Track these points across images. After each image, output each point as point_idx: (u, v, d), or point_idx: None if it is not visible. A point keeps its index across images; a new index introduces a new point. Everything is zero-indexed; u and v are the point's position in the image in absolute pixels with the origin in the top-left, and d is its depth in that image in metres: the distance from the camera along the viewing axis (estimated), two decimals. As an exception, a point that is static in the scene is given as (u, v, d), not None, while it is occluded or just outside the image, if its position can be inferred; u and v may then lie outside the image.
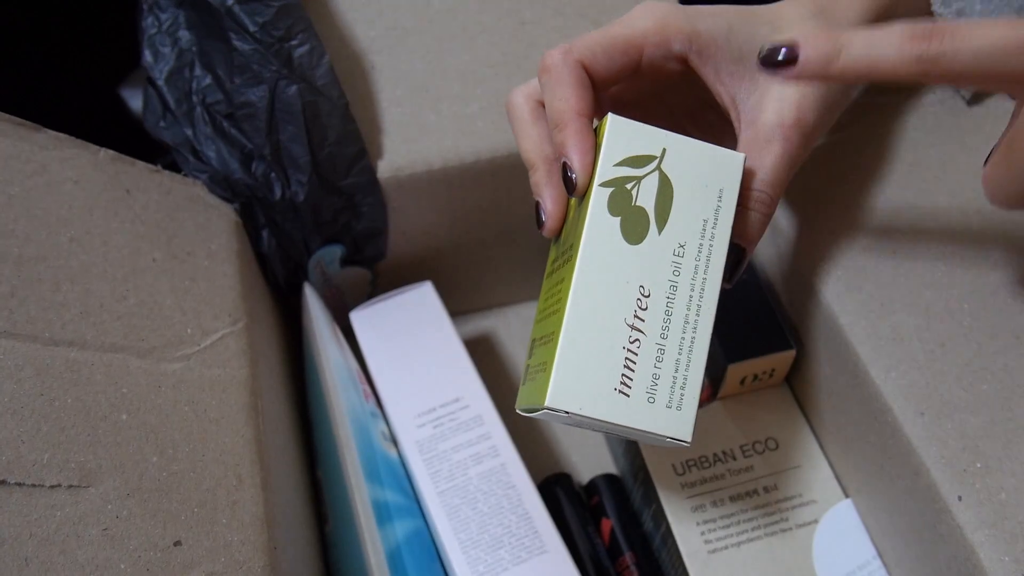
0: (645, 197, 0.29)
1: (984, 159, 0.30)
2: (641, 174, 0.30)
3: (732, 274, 0.31)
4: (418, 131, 0.42)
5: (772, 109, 0.31)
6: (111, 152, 0.36)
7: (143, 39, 0.40)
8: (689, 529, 0.38)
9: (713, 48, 0.31)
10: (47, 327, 0.31)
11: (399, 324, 0.43)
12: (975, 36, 0.25)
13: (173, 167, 0.39)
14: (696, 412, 0.28)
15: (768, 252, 0.41)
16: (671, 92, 0.35)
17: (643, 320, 0.28)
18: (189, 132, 0.40)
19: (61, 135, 0.35)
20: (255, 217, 0.41)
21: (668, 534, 0.38)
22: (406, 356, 0.42)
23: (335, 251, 0.44)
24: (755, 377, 0.40)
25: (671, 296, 0.29)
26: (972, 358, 0.33)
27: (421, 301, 0.44)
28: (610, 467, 0.46)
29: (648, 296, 0.29)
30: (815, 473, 0.39)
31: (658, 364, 0.28)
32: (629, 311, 0.28)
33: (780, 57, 0.28)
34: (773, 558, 0.37)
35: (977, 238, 0.36)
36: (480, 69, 0.44)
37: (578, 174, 0.29)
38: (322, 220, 0.42)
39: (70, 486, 0.28)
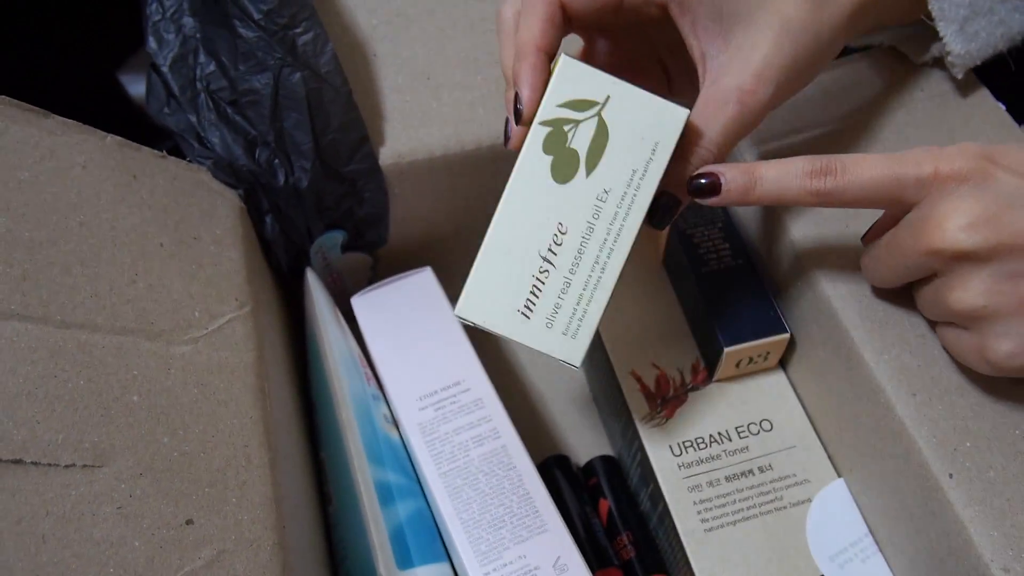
0: (580, 140, 0.31)
1: (863, 235, 0.36)
2: (581, 118, 0.31)
3: (662, 220, 0.33)
4: (420, 118, 0.43)
5: (735, 72, 0.32)
6: (117, 138, 0.37)
7: (147, 26, 0.40)
8: (686, 508, 0.39)
9: (694, 1, 0.32)
10: (59, 310, 0.31)
11: (400, 309, 0.44)
12: (861, 172, 0.31)
13: (176, 152, 0.40)
14: (590, 343, 0.32)
15: (764, 239, 0.42)
16: (644, 32, 0.36)
17: (555, 255, 0.32)
18: (193, 118, 0.40)
19: (69, 121, 0.35)
20: (259, 203, 0.41)
21: (665, 513, 0.39)
22: (407, 340, 0.42)
23: (337, 237, 0.45)
24: (751, 360, 0.41)
25: (586, 237, 0.32)
26: (962, 341, 0.34)
27: (421, 286, 0.44)
28: (607, 449, 0.47)
29: (565, 233, 0.32)
30: (808, 454, 0.40)
31: (562, 295, 0.32)
32: (544, 244, 0.32)
33: (704, 186, 0.32)
34: (768, 536, 0.38)
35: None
36: (481, 57, 0.44)
37: (525, 107, 0.31)
38: (325, 206, 0.42)
39: (84, 465, 0.29)
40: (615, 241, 0.32)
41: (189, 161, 0.39)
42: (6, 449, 0.28)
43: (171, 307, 0.34)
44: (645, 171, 0.31)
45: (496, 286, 0.31)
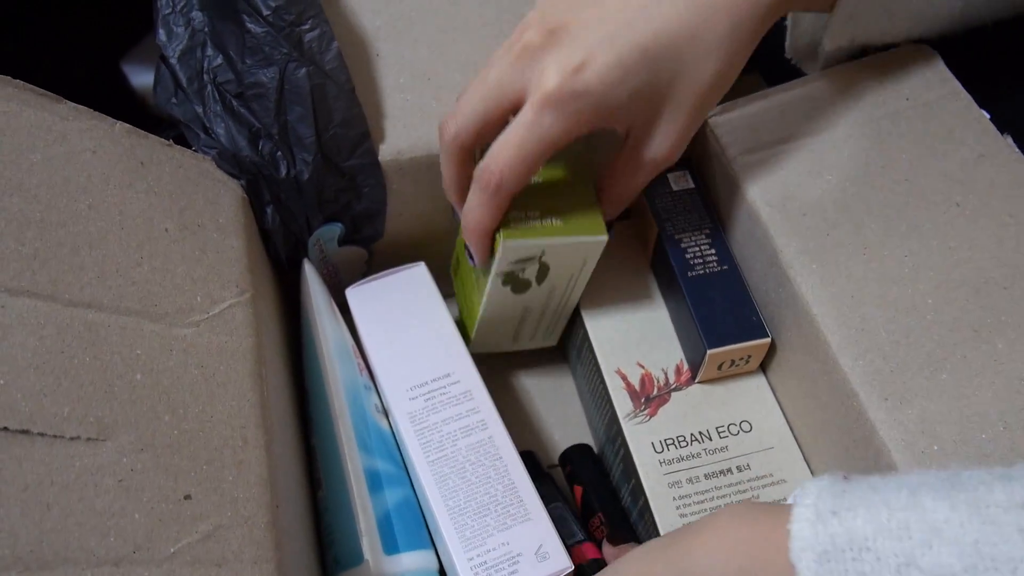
0: (529, 273, 0.42)
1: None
2: (526, 266, 0.41)
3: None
4: (420, 117, 0.44)
5: (655, 145, 0.38)
6: (126, 125, 0.38)
7: (157, 18, 0.41)
8: (666, 504, 0.40)
9: (617, 124, 0.38)
10: (67, 289, 0.32)
11: (393, 302, 0.45)
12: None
13: (181, 142, 0.41)
14: (562, 330, 0.48)
15: (748, 246, 0.43)
16: None
17: (525, 320, 0.46)
18: (199, 109, 0.41)
19: (80, 107, 0.36)
20: (260, 193, 0.42)
21: (646, 508, 0.41)
22: (399, 332, 0.44)
23: (334, 229, 0.46)
24: (732, 363, 0.42)
25: (545, 308, 0.45)
26: (934, 349, 0.36)
27: (414, 280, 0.46)
28: (590, 442, 0.48)
29: (530, 310, 0.45)
30: (785, 454, 0.41)
31: (538, 327, 0.47)
32: (517, 319, 0.46)
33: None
34: (743, 532, 0.40)
35: (942, 238, 0.39)
36: (481, 60, 0.45)
37: (479, 264, 0.41)
38: (324, 199, 0.44)
39: (88, 439, 0.30)
40: (565, 305, 0.45)
41: (194, 151, 0.40)
42: (14, 420, 0.28)
43: (174, 290, 0.35)
44: (581, 272, 0.43)
45: (491, 337, 0.44)
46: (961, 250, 0.38)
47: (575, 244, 0.40)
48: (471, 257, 0.41)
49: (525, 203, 0.39)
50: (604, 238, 0.40)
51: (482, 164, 0.37)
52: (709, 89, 0.37)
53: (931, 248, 0.38)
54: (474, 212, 0.38)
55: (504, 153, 0.36)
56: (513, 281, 0.42)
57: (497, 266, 0.40)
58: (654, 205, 0.46)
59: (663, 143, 0.38)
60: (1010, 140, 0.41)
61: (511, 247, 0.39)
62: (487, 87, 0.37)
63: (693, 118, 0.38)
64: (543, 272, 0.41)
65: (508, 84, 0.36)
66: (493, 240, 0.39)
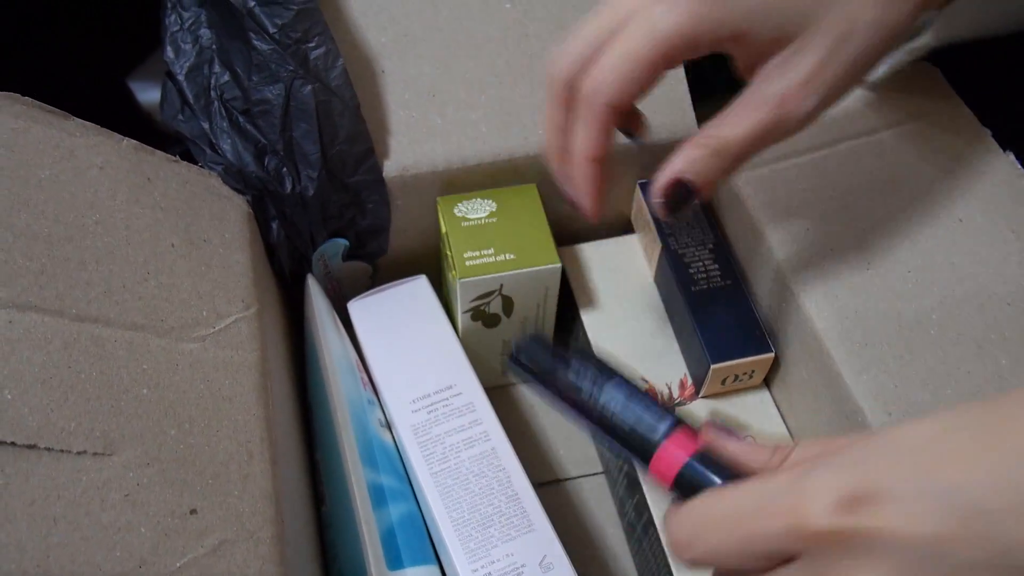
0: (495, 307, 0.45)
1: None
2: (489, 300, 0.44)
3: (674, 209, 0.33)
4: (424, 133, 0.44)
5: (780, 76, 0.31)
6: (133, 141, 0.38)
7: (165, 36, 0.42)
8: (669, 518, 0.40)
9: (747, 39, 0.30)
10: (73, 304, 0.32)
11: (395, 315, 0.45)
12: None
13: (187, 158, 0.41)
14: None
15: (751, 261, 0.43)
16: None
17: (507, 349, 0.47)
18: (206, 126, 0.42)
19: (88, 123, 0.37)
20: (266, 209, 0.42)
21: (650, 523, 0.41)
22: (401, 345, 0.44)
23: (339, 245, 0.46)
24: (736, 378, 0.42)
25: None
26: (937, 364, 0.36)
27: (416, 293, 0.46)
28: (595, 461, 0.48)
29: (509, 342, 0.47)
30: (789, 469, 0.41)
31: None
32: (499, 352, 0.48)
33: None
34: (747, 547, 0.39)
35: (945, 253, 0.39)
36: (485, 77, 0.46)
37: (588, 214, 0.34)
38: (329, 214, 0.44)
39: (95, 453, 0.30)
40: (544, 318, 0.47)
41: (200, 166, 0.41)
42: (21, 434, 0.29)
43: (180, 305, 0.35)
44: (546, 299, 0.45)
45: (478, 372, 0.43)
46: (964, 266, 0.38)
47: (531, 274, 0.43)
48: (577, 206, 0.35)
49: (480, 243, 0.43)
50: (558, 266, 0.43)
51: (582, 77, 0.31)
52: (856, 32, 0.30)
53: (935, 264, 0.38)
54: (577, 139, 0.32)
55: (607, 60, 0.30)
56: (482, 316, 0.45)
57: (460, 305, 0.44)
58: (657, 220, 0.46)
59: (792, 77, 0.30)
60: (1012, 157, 0.41)
61: (468, 284, 0.43)
62: (598, 16, 0.31)
63: (827, 59, 0.30)
64: (508, 305, 0.45)
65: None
66: (602, 178, 0.34)
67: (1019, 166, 0.41)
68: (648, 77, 0.31)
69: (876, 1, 0.30)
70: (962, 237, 0.39)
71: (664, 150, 0.46)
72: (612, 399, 0.30)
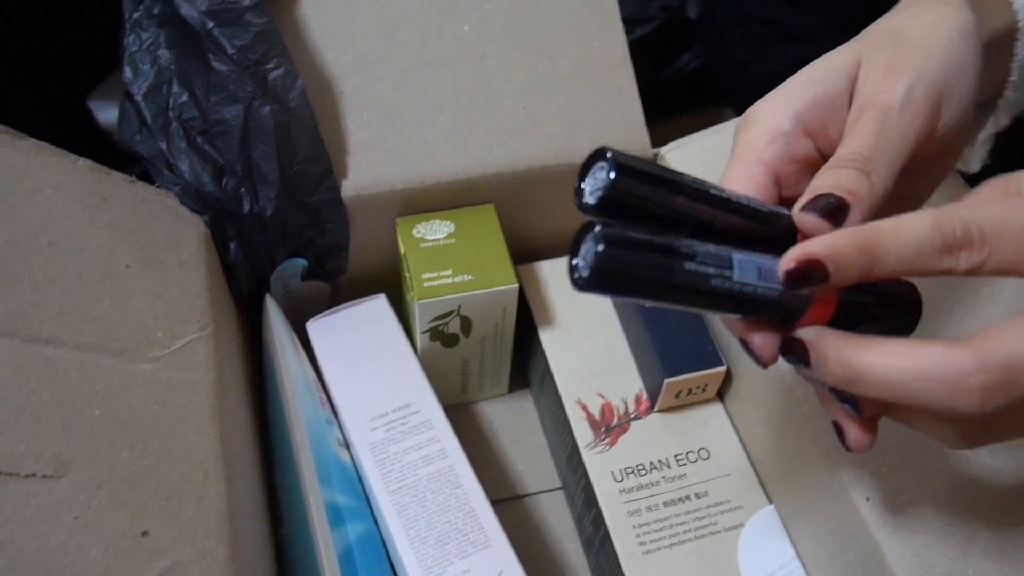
0: (453, 328, 0.45)
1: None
2: (447, 320, 0.45)
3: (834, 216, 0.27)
4: (383, 154, 0.45)
5: (872, 83, 0.29)
6: (89, 161, 0.38)
7: (123, 56, 0.42)
8: (626, 532, 0.41)
9: (828, 119, 0.30)
10: (25, 325, 0.32)
11: (353, 334, 0.45)
12: (1005, 248, 0.25)
13: (145, 178, 0.41)
14: (508, 376, 0.51)
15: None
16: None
17: (468, 372, 0.49)
18: (164, 146, 0.42)
19: (43, 143, 0.37)
20: (224, 229, 0.43)
21: (606, 536, 0.41)
22: (360, 364, 0.44)
23: (298, 265, 0.46)
24: (690, 391, 0.43)
25: (483, 358, 0.48)
26: (882, 377, 0.37)
27: (374, 312, 0.46)
28: (553, 476, 0.49)
29: (468, 361, 0.48)
30: (742, 481, 0.42)
31: (482, 377, 0.50)
32: (459, 367, 0.49)
33: (804, 270, 0.25)
34: (702, 559, 0.40)
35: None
36: (443, 98, 0.46)
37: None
38: (288, 234, 0.44)
39: (45, 476, 0.30)
40: (501, 345, 0.48)
41: (158, 186, 0.41)
42: (-31, 457, 0.28)
43: (135, 326, 0.35)
44: (503, 319, 0.46)
45: (439, 391, 0.43)
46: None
47: (489, 295, 0.44)
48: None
49: (438, 264, 0.44)
50: (515, 287, 0.44)
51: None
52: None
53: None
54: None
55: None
56: (440, 336, 0.46)
57: (419, 325, 0.44)
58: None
59: None
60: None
61: (426, 305, 0.43)
62: None
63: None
64: (467, 325, 0.45)
65: None
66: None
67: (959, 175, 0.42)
68: (766, 193, 0.30)
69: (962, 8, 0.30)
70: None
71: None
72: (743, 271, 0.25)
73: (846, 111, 0.30)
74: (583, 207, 0.25)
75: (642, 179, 0.25)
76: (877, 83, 0.29)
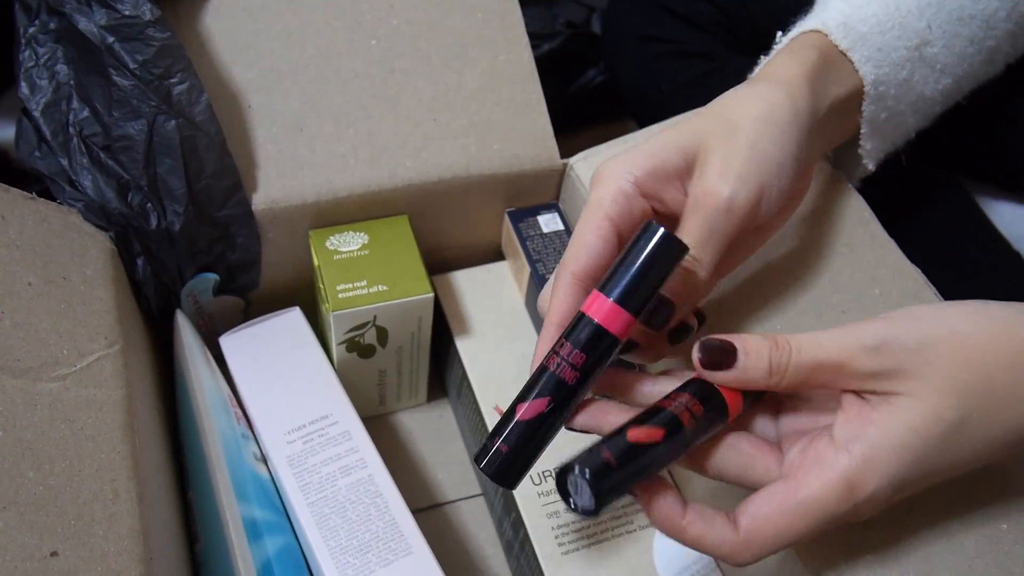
0: (369, 338, 0.46)
1: None
2: (363, 331, 0.45)
3: (660, 324, 0.34)
4: (293, 167, 0.45)
5: (700, 180, 0.34)
6: (-15, 179, 0.37)
7: (19, 71, 0.41)
8: (544, 534, 0.42)
9: (662, 188, 0.35)
10: (-80, 346, 0.31)
11: (268, 347, 0.45)
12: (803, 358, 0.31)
13: (46, 195, 0.40)
14: (426, 386, 0.52)
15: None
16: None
17: (385, 382, 0.50)
18: (65, 162, 0.41)
19: (-65, 161, 0.35)
20: (131, 245, 0.42)
21: (526, 539, 0.42)
22: (275, 377, 0.44)
23: (209, 280, 0.46)
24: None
25: (400, 369, 0.49)
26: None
27: (289, 325, 0.46)
28: (474, 483, 0.49)
29: (385, 372, 0.49)
30: (655, 478, 0.44)
31: (399, 387, 0.51)
32: (376, 378, 0.49)
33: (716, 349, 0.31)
34: (619, 557, 0.41)
35: (789, 267, 0.42)
36: (352, 111, 0.47)
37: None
38: (197, 249, 0.44)
39: (-56, 500, 0.29)
40: (418, 358, 0.49)
41: (60, 204, 0.40)
42: None
43: (38, 345, 0.35)
44: (419, 328, 0.46)
45: (356, 403, 0.43)
46: (806, 278, 0.42)
47: (404, 304, 0.44)
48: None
49: (352, 275, 0.44)
50: (430, 296, 0.44)
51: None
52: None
53: (779, 281, 0.42)
54: (554, 298, 0.34)
55: None
56: (357, 348, 0.46)
57: (334, 337, 0.45)
58: (526, 247, 0.48)
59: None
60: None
61: (341, 316, 0.43)
62: None
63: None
64: (383, 335, 0.46)
65: None
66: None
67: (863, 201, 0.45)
68: (607, 246, 0.34)
69: (783, 101, 0.35)
70: (802, 253, 0.42)
71: (528, 179, 0.49)
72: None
73: (679, 182, 0.35)
74: (585, 512, 0.29)
75: (618, 475, 0.29)
76: (709, 185, 0.34)
